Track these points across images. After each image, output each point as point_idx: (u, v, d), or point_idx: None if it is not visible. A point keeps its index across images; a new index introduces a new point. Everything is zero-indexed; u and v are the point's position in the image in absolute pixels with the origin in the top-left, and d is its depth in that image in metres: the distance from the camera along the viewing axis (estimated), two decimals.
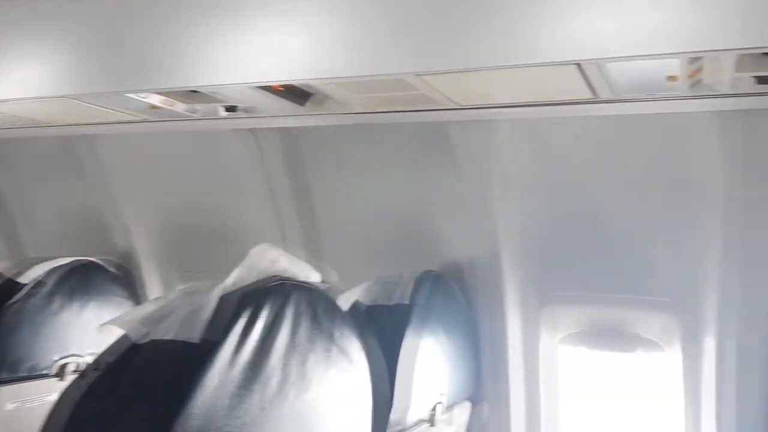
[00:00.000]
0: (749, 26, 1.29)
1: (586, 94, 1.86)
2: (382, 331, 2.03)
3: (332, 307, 1.62)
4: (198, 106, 2.30)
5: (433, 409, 2.19)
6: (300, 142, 2.68)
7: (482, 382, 2.63)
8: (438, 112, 2.16)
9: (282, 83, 1.96)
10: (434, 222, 2.62)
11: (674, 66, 1.59)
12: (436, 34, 1.63)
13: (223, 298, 1.35)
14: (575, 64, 1.57)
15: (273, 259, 1.48)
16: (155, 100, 2.23)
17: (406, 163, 2.56)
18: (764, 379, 2.31)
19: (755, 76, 1.63)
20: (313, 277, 1.59)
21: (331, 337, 1.59)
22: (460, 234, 2.57)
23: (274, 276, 1.47)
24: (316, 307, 1.54)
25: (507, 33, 1.55)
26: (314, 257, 2.76)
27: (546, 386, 2.69)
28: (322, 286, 1.60)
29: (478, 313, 2.60)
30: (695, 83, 1.74)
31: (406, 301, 2.10)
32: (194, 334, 1.30)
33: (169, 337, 1.31)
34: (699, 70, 1.66)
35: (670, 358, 2.51)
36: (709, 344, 2.37)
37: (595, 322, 2.56)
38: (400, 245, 2.67)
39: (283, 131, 2.61)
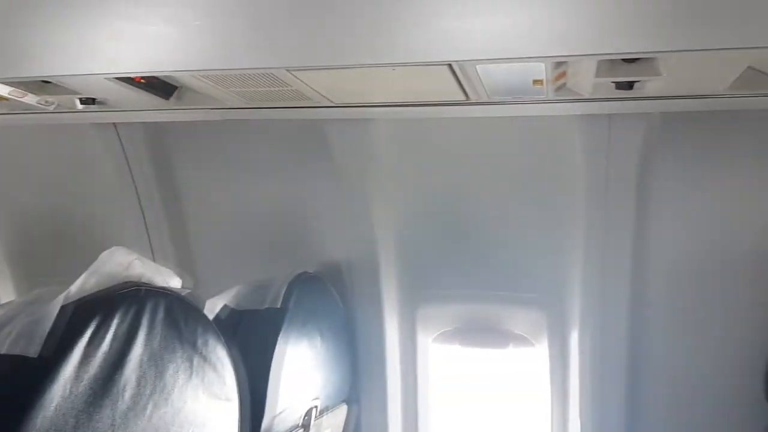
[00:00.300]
0: (607, 34, 1.33)
1: (459, 96, 1.87)
2: (253, 336, 1.96)
3: (194, 313, 1.52)
4: (51, 98, 2.12)
5: (308, 414, 2.14)
6: (167, 137, 2.54)
7: (359, 384, 2.61)
8: (313, 109, 2.10)
9: (141, 75, 1.83)
10: (311, 222, 2.57)
11: (540, 70, 1.62)
12: (308, 29, 1.57)
13: (65, 308, 1.23)
14: (446, 64, 1.57)
15: (125, 264, 1.37)
16: (3, 90, 2.03)
17: (281, 161, 2.50)
18: (624, 370, 2.44)
19: (614, 82, 1.69)
20: (173, 282, 1.49)
21: (193, 346, 1.49)
22: (338, 234, 2.53)
23: (127, 282, 1.35)
24: (176, 314, 1.44)
25: (379, 31, 1.52)
26: (182, 259, 2.65)
27: (422, 385, 2.72)
28: (184, 292, 1.50)
29: (355, 313, 2.58)
30: (560, 87, 1.79)
31: (278, 305, 2.03)
32: (32, 348, 1.17)
33: (2, 351, 1.17)
34: (563, 75, 1.71)
35: (540, 353, 2.60)
36: (573, 337, 2.48)
37: (469, 320, 2.61)
38: (275, 246, 2.60)
39: (148, 126, 2.46)
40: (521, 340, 2.58)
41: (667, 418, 2.48)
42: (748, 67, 1.59)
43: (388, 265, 2.50)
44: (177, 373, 1.44)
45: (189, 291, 1.53)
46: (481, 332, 2.59)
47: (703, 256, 2.33)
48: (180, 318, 1.46)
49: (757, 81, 1.66)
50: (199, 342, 1.52)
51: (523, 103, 1.94)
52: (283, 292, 2.07)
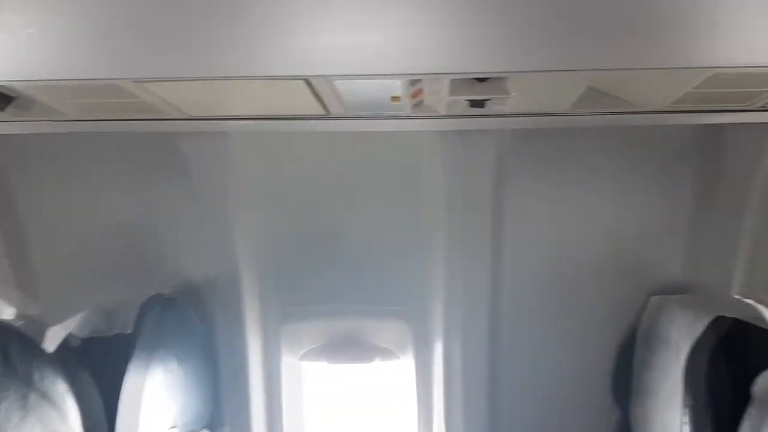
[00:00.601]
0: (458, 54, 1.36)
1: (318, 110, 1.85)
2: (102, 366, 1.83)
3: (29, 346, 1.40)
4: None
5: None
6: (4, 151, 2.32)
7: (221, 408, 2.51)
8: (165, 122, 2.00)
9: None
10: (166, 240, 2.44)
11: (397, 87, 1.64)
12: (156, 38, 1.49)
13: None
14: (303, 79, 1.55)
15: None
16: None
17: (132, 176, 2.35)
18: (487, 378, 2.52)
19: (468, 100, 1.73)
20: (5, 313, 1.36)
21: (28, 382, 1.37)
22: (195, 252, 2.42)
23: None
24: (7, 348, 1.31)
25: (233, 43, 1.47)
26: (24, 285, 2.43)
27: (289, 404, 2.66)
28: (17, 323, 1.37)
29: (215, 335, 2.48)
30: (417, 104, 1.82)
31: (129, 330, 1.90)
32: None
33: None
34: (419, 92, 1.74)
35: (405, 365, 2.62)
36: (438, 348, 2.52)
37: (335, 335, 2.59)
38: (127, 267, 2.44)
39: None
40: (387, 353, 2.60)
41: (529, 424, 2.59)
42: (589, 87, 1.69)
43: (250, 282, 2.43)
44: (9, 412, 1.31)
45: (24, 321, 1.40)
46: (347, 347, 2.58)
47: (556, 264, 2.46)
48: (13, 351, 1.33)
49: (597, 100, 1.76)
50: (36, 377, 1.39)
51: (383, 118, 1.95)
52: (134, 316, 1.94)
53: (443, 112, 1.86)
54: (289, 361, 2.61)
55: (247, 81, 1.57)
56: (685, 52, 1.25)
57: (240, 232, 2.35)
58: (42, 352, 1.43)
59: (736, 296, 2.27)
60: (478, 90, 1.66)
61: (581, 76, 1.56)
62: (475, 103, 1.75)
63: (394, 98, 1.72)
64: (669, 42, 1.22)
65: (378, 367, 2.63)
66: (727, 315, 1.89)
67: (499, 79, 1.62)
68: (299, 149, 2.26)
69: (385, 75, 1.45)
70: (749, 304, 1.98)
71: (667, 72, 1.42)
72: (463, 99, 1.71)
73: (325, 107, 1.82)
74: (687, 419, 1.90)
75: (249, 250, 2.39)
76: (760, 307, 1.93)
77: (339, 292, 2.49)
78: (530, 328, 2.52)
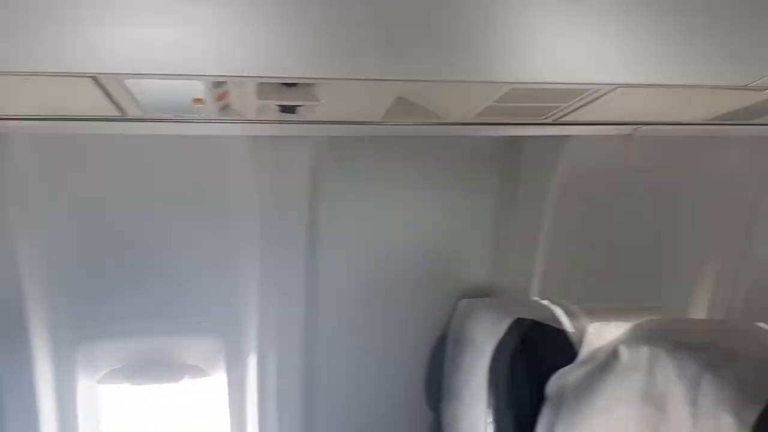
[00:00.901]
0: (264, 57, 1.30)
1: (112, 111, 1.69)
2: None
3: None
4: None
5: None
6: None
7: None
8: None
9: None
10: None
11: (200, 89, 1.54)
12: None
13: None
14: (90, 77, 1.39)
15: None
16: None
17: None
18: (302, 388, 2.48)
19: (278, 105, 1.67)
20: None
21: None
22: None
23: None
24: None
25: (9, 34, 1.28)
26: None
27: (86, 430, 2.42)
28: None
29: None
30: (224, 107, 1.72)
31: None
32: None
33: None
34: (225, 95, 1.64)
35: (217, 382, 2.50)
36: (251, 362, 2.43)
37: (138, 356, 2.41)
38: None
39: None
40: (197, 371, 2.46)
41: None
42: (398, 98, 1.70)
43: (38, 302, 2.17)
44: None
45: None
46: (152, 367, 2.41)
47: (370, 270, 2.48)
48: None
49: (406, 110, 1.78)
50: None
51: (186, 121, 1.83)
52: None
53: (253, 117, 1.78)
54: (85, 385, 2.38)
55: (27, 77, 1.39)
56: (484, 67, 1.29)
57: (23, 246, 2.09)
58: None
59: (534, 298, 2.41)
60: (287, 95, 1.61)
61: (392, 87, 1.56)
62: (285, 109, 1.70)
63: (197, 101, 1.62)
64: (468, 57, 1.25)
65: (187, 385, 2.48)
66: (526, 317, 1.98)
67: (308, 85, 1.57)
68: (92, 154, 2.05)
69: (180, 75, 1.35)
70: (545, 305, 2.10)
71: (468, 85, 1.46)
72: (272, 104, 1.65)
73: (119, 108, 1.67)
74: (491, 419, 1.97)
75: (34, 265, 2.13)
76: (555, 309, 2.04)
77: (141, 308, 2.30)
78: (346, 336, 2.51)
